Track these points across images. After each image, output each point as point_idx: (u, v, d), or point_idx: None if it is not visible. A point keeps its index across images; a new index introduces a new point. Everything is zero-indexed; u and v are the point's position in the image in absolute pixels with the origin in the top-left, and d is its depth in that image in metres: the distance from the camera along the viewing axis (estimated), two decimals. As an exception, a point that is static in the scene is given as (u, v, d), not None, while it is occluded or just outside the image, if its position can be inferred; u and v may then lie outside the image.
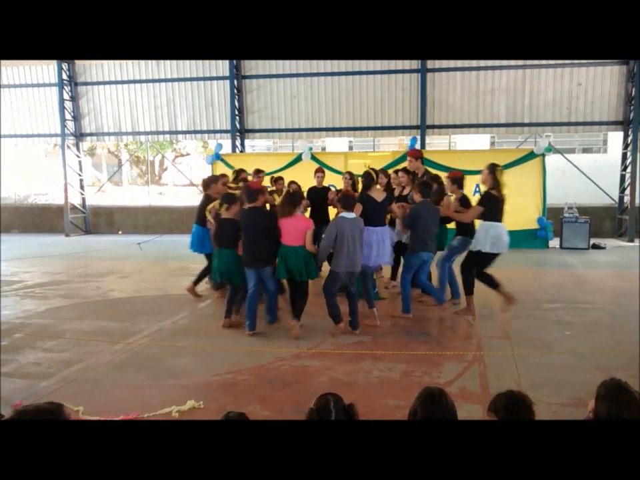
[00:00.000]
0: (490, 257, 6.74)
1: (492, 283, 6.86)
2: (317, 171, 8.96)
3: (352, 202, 6.17)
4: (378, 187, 7.12)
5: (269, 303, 6.50)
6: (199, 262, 8.14)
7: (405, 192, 7.70)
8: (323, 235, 6.18)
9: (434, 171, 8.41)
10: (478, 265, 6.83)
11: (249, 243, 6.04)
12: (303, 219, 6.11)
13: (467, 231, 6.99)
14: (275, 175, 10.01)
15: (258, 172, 8.74)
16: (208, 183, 7.84)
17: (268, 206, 7.20)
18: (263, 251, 6.01)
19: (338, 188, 9.13)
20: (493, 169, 6.72)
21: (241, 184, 7.75)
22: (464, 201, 7.19)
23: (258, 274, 6.12)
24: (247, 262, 6.10)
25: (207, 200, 7.59)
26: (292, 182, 8.59)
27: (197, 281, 7.90)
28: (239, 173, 8.71)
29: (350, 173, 8.08)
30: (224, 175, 8.46)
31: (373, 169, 6.88)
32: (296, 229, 5.96)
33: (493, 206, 6.69)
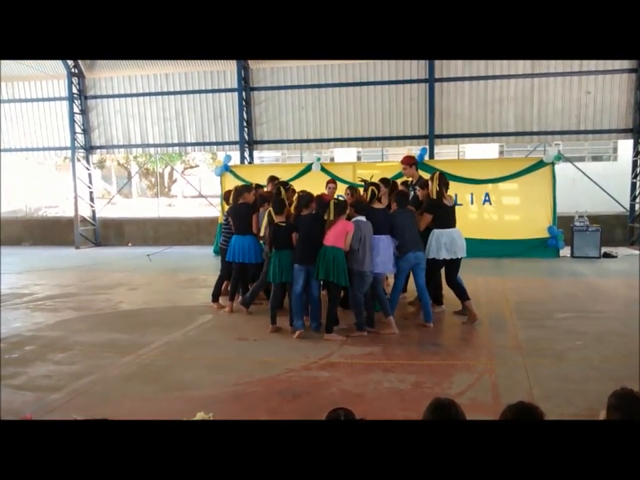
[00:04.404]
0: (443, 263, 7.00)
1: (437, 294, 7.44)
2: (328, 182, 8.92)
3: (364, 207, 6.64)
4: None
5: (313, 310, 6.80)
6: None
7: None
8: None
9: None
10: (433, 272, 7.13)
11: (302, 243, 6.55)
12: (344, 222, 6.48)
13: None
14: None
15: (272, 179, 8.69)
16: (242, 192, 7.87)
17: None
18: (314, 250, 6.44)
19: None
20: (440, 177, 7.01)
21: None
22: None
23: (307, 272, 6.51)
24: (298, 259, 6.54)
25: (253, 208, 7.69)
26: (302, 191, 8.56)
27: (232, 296, 7.92)
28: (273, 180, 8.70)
29: (351, 188, 8.15)
30: (259, 185, 8.61)
31: (376, 183, 7.05)
32: (337, 232, 6.38)
33: (441, 213, 6.95)
